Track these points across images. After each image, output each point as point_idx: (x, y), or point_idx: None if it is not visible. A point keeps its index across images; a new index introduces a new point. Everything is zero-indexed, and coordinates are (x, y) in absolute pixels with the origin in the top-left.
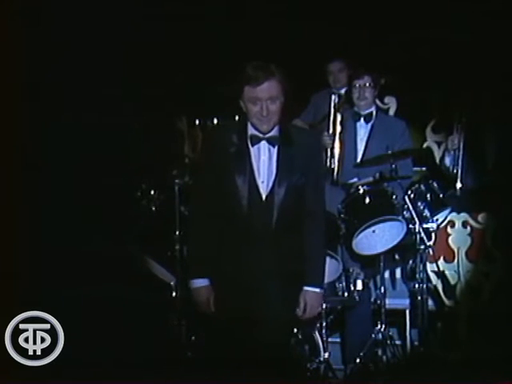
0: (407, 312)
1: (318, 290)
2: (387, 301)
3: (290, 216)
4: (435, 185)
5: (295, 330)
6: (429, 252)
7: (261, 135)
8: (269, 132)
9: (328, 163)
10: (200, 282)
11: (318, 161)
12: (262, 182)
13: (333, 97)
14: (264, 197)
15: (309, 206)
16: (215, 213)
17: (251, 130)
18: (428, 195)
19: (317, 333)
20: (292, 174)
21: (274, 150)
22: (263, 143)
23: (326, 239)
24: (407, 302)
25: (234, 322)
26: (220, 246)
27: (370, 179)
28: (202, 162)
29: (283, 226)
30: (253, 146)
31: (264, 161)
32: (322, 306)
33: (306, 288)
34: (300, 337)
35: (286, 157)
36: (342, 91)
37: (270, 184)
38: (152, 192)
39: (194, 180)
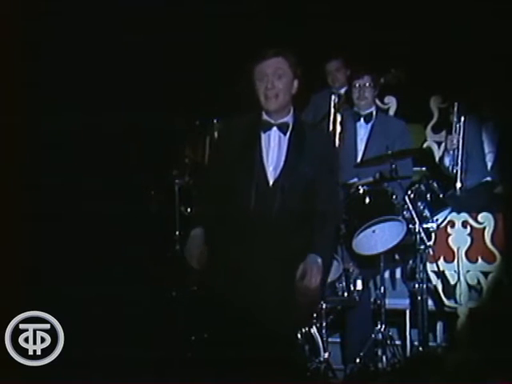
0: (407, 312)
1: (319, 259)
2: (387, 301)
3: (293, 205)
4: (435, 185)
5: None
6: (429, 252)
7: (272, 121)
8: (280, 118)
9: None
10: (196, 231)
11: (330, 161)
12: (271, 168)
13: (333, 97)
14: (271, 182)
15: (321, 207)
16: (222, 196)
17: (263, 116)
18: (428, 195)
19: (317, 333)
20: (301, 164)
21: (285, 139)
22: (274, 130)
23: (338, 222)
24: (407, 301)
25: (232, 303)
26: (221, 226)
27: (370, 179)
28: (215, 150)
29: (285, 214)
30: (264, 132)
31: (274, 148)
32: (320, 276)
33: (309, 254)
34: (300, 337)
35: (296, 146)
36: (342, 91)
37: (278, 170)
38: (152, 192)
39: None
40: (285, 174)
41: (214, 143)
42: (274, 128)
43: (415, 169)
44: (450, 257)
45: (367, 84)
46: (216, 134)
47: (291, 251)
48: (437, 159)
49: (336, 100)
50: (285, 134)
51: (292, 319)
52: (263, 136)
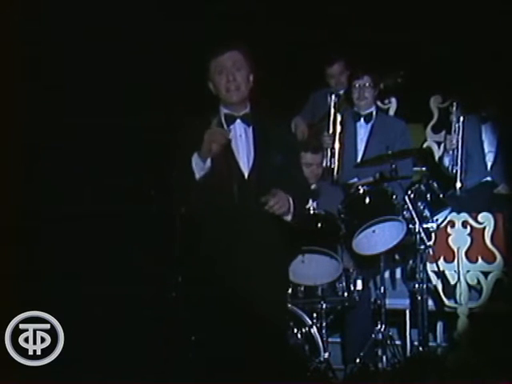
0: (407, 312)
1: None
2: (387, 301)
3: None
4: (435, 185)
5: (290, 323)
6: (429, 252)
7: (235, 113)
8: (241, 110)
9: (328, 163)
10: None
11: (296, 146)
12: (244, 160)
13: (332, 97)
14: (246, 175)
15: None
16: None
17: (224, 110)
18: (428, 195)
19: (317, 333)
20: (271, 153)
21: (250, 130)
22: (238, 123)
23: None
24: (407, 302)
25: (228, 302)
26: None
27: (370, 179)
28: (185, 153)
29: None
30: (228, 126)
31: (242, 140)
32: (289, 208)
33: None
34: (300, 337)
35: (262, 136)
36: (342, 91)
37: (251, 162)
38: (152, 192)
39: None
40: (258, 164)
41: (180, 146)
42: (238, 120)
43: (415, 169)
44: (449, 257)
45: (367, 84)
46: (179, 138)
47: (276, 241)
48: (437, 159)
49: (336, 100)
50: (249, 125)
51: (283, 311)
52: (228, 130)
